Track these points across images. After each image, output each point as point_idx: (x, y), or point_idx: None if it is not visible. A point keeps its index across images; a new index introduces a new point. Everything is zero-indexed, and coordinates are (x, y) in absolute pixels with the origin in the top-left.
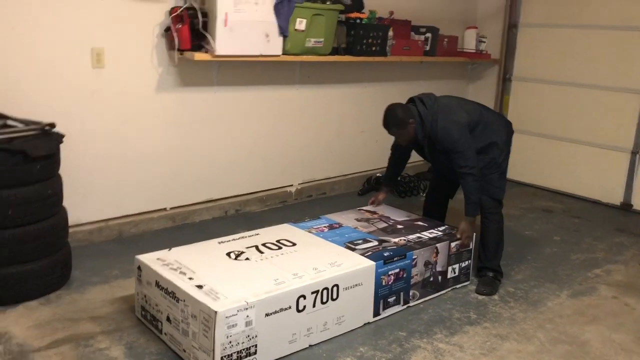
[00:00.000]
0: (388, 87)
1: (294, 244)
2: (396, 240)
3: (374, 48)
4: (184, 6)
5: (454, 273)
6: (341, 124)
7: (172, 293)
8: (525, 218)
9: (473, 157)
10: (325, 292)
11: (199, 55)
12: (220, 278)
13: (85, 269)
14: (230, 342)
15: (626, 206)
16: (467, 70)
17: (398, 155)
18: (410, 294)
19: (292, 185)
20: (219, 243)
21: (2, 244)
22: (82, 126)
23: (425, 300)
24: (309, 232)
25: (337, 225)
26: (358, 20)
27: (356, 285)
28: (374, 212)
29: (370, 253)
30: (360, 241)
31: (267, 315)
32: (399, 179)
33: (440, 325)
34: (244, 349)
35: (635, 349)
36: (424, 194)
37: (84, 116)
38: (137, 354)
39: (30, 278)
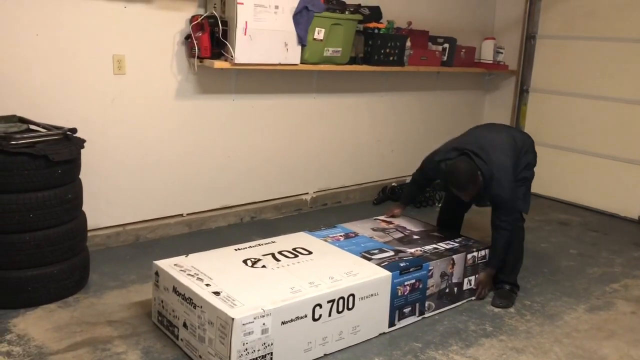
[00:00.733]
0: (405, 97)
1: (310, 253)
2: (412, 250)
3: (391, 58)
4: (205, 15)
5: (470, 285)
6: (357, 133)
7: (189, 299)
8: (542, 230)
9: (515, 215)
10: (341, 301)
11: (218, 64)
12: (237, 285)
13: (102, 273)
14: (246, 349)
15: None
16: (484, 81)
17: (420, 184)
18: (426, 304)
19: (307, 193)
20: (236, 250)
21: (23, 247)
22: (103, 132)
23: (440, 312)
24: (325, 240)
25: (353, 235)
26: (376, 30)
27: (372, 295)
28: (389, 222)
29: (386, 263)
30: (376, 251)
31: (283, 323)
32: None
33: (455, 337)
34: (259, 357)
35: None
36: (439, 205)
37: (104, 122)
38: (153, 359)
39: (49, 281)
